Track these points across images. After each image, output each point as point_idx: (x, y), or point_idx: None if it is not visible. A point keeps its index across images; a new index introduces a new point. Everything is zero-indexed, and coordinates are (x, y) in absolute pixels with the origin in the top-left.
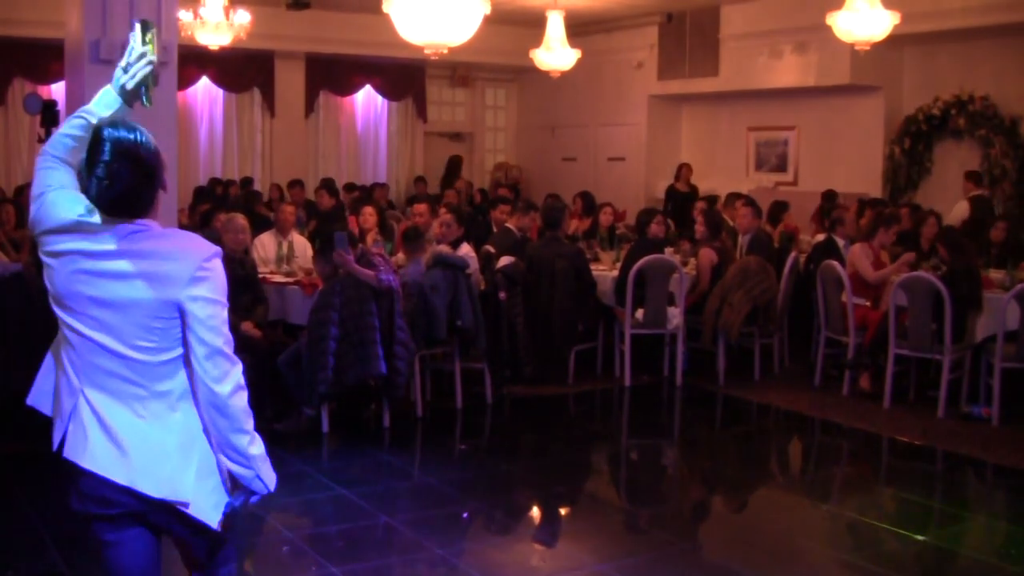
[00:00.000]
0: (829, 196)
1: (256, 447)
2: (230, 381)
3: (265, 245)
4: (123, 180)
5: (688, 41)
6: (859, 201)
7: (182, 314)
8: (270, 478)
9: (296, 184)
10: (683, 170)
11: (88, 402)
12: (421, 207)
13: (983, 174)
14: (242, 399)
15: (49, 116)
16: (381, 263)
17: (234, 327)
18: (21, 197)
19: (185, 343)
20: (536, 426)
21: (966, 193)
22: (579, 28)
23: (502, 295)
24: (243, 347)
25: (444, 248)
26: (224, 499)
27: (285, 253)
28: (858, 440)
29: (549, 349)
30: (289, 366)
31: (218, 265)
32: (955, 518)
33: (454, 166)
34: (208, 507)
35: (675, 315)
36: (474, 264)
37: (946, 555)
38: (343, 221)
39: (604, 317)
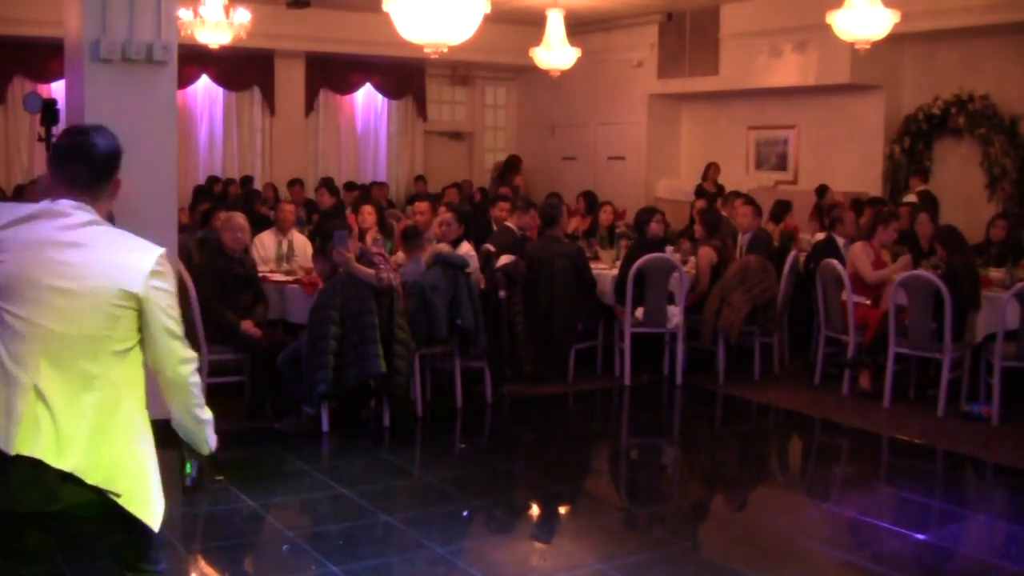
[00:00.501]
0: (821, 191)
1: (207, 413)
2: (189, 363)
3: (265, 244)
4: (84, 153)
5: (688, 40)
6: (854, 200)
7: (140, 304)
8: (213, 438)
9: (296, 183)
10: (711, 170)
11: (41, 395)
12: (422, 206)
13: (929, 170)
14: (197, 377)
15: (49, 115)
16: (381, 262)
17: (234, 326)
18: (21, 197)
19: (143, 331)
20: (536, 425)
21: (913, 188)
22: (579, 27)
23: (502, 294)
24: (243, 346)
25: (444, 247)
26: (161, 502)
27: (285, 252)
28: (858, 439)
29: (549, 348)
30: (289, 365)
31: (168, 262)
32: (955, 517)
33: (512, 165)
34: (142, 504)
35: (675, 314)
36: (474, 263)
37: (946, 554)
38: (343, 218)
39: (604, 316)
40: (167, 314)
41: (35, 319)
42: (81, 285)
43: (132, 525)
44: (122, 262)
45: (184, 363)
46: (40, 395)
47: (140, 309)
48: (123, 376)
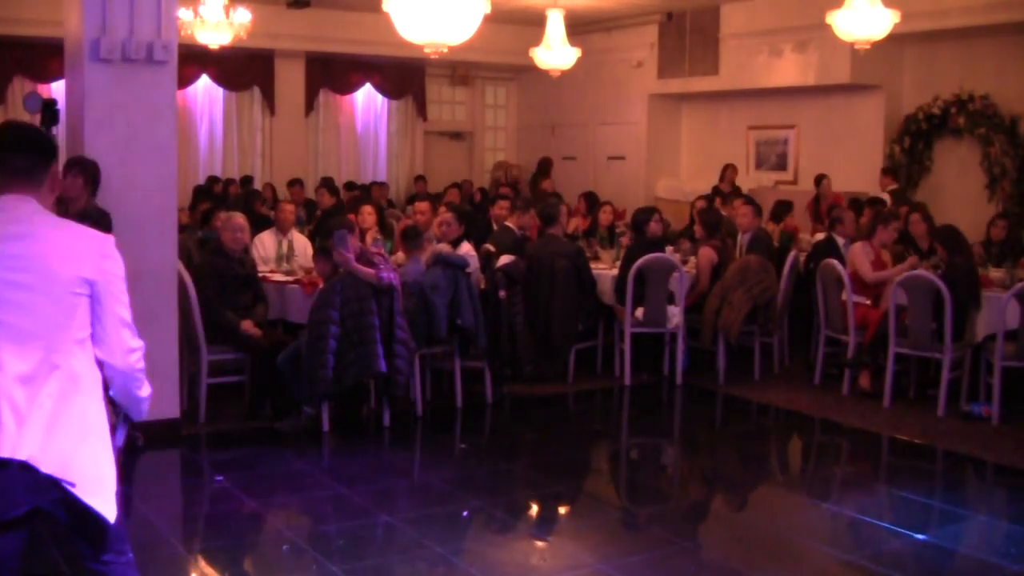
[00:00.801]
0: (818, 180)
1: (146, 391)
2: (139, 352)
3: (265, 244)
4: (22, 143)
5: (688, 40)
6: (853, 200)
7: (93, 290)
8: (146, 409)
9: (296, 183)
10: (728, 171)
11: (2, 391)
12: (423, 205)
13: (897, 168)
14: (143, 362)
15: (49, 115)
16: (381, 262)
17: (234, 326)
18: None
19: (94, 320)
20: (536, 425)
21: (883, 187)
22: (579, 27)
23: (502, 294)
24: (243, 346)
25: (445, 247)
26: (113, 495)
27: (285, 252)
28: (858, 439)
29: (549, 348)
30: (289, 365)
31: (116, 250)
32: (955, 517)
33: (543, 169)
34: (97, 494)
35: (675, 314)
36: (474, 263)
37: (946, 554)
38: (344, 216)
39: (604, 316)
40: (118, 300)
41: None
42: (36, 276)
43: (89, 517)
44: (73, 249)
45: (133, 353)
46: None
47: (92, 295)
48: (82, 365)
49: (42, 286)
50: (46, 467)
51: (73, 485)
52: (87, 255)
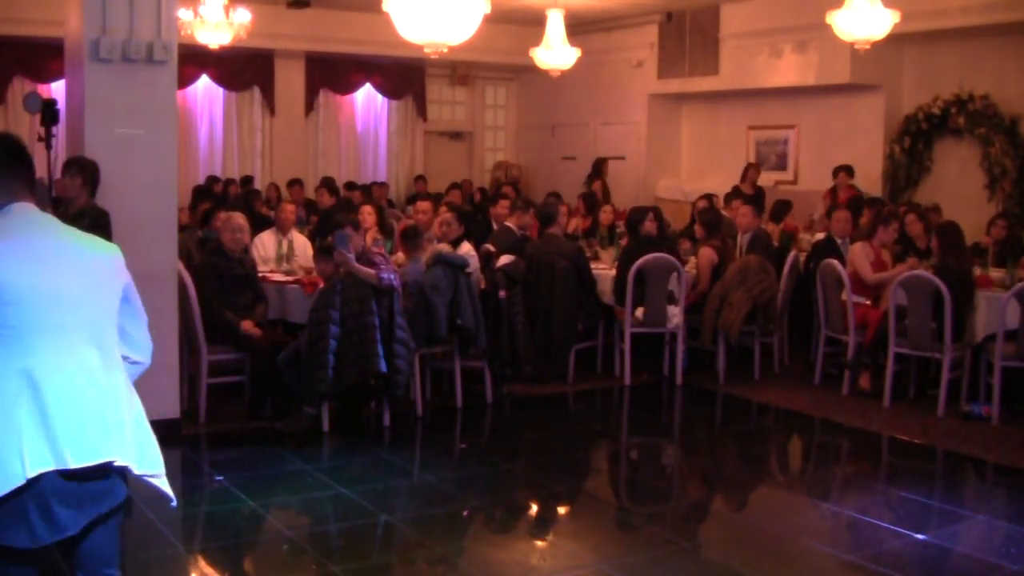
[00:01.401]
0: (836, 171)
1: None
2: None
3: (265, 244)
4: (22, 156)
5: (688, 40)
6: (850, 199)
7: (124, 292)
8: None
9: (296, 183)
10: (749, 171)
11: (57, 395)
12: (424, 205)
13: (853, 167)
14: None
15: (49, 115)
16: (381, 262)
17: (234, 326)
18: None
19: (127, 321)
20: (536, 425)
21: (842, 184)
22: (579, 27)
23: (502, 294)
24: (243, 346)
25: (445, 247)
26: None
27: (285, 252)
28: (858, 439)
29: (549, 348)
30: (289, 365)
31: None
32: (955, 517)
33: (598, 170)
34: (165, 479)
35: (675, 314)
36: (474, 263)
37: (946, 554)
38: (347, 213)
39: (604, 316)
40: (139, 299)
41: (58, 324)
42: (89, 280)
43: (115, 522)
44: (102, 254)
45: (152, 349)
46: (73, 400)
47: (123, 296)
48: (120, 360)
49: (93, 288)
50: (138, 468)
51: (157, 476)
52: (113, 259)
